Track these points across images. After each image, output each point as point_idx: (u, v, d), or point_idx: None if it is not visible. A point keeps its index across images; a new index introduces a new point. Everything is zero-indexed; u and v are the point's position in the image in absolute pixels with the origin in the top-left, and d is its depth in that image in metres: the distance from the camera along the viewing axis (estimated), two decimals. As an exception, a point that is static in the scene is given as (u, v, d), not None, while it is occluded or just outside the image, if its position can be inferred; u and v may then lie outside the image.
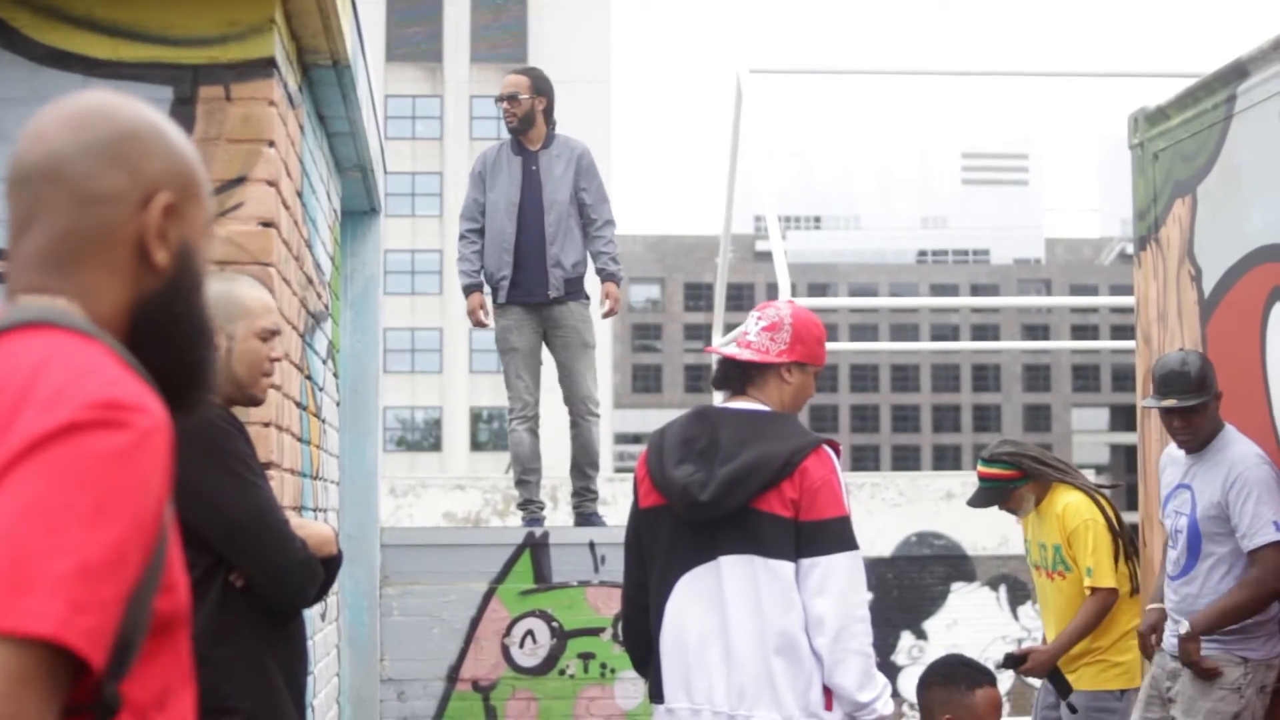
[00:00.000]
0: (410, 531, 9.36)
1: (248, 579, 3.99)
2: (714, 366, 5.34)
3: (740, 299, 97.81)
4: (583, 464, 9.28)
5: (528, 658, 8.86)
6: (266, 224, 4.87)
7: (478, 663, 8.85)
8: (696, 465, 4.93)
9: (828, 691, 4.84)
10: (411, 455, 64.83)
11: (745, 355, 5.06)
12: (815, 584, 4.83)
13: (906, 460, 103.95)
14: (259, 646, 4.03)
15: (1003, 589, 22.03)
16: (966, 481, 21.47)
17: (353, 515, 8.44)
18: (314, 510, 6.18)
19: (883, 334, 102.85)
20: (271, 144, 4.90)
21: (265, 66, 4.90)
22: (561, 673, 8.92)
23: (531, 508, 9.32)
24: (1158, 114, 7.03)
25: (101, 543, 1.67)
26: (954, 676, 5.67)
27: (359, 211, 8.49)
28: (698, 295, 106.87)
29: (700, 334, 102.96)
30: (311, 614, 6.14)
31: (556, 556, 8.96)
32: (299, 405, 5.62)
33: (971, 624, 21.53)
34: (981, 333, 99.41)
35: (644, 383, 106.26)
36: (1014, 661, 7.22)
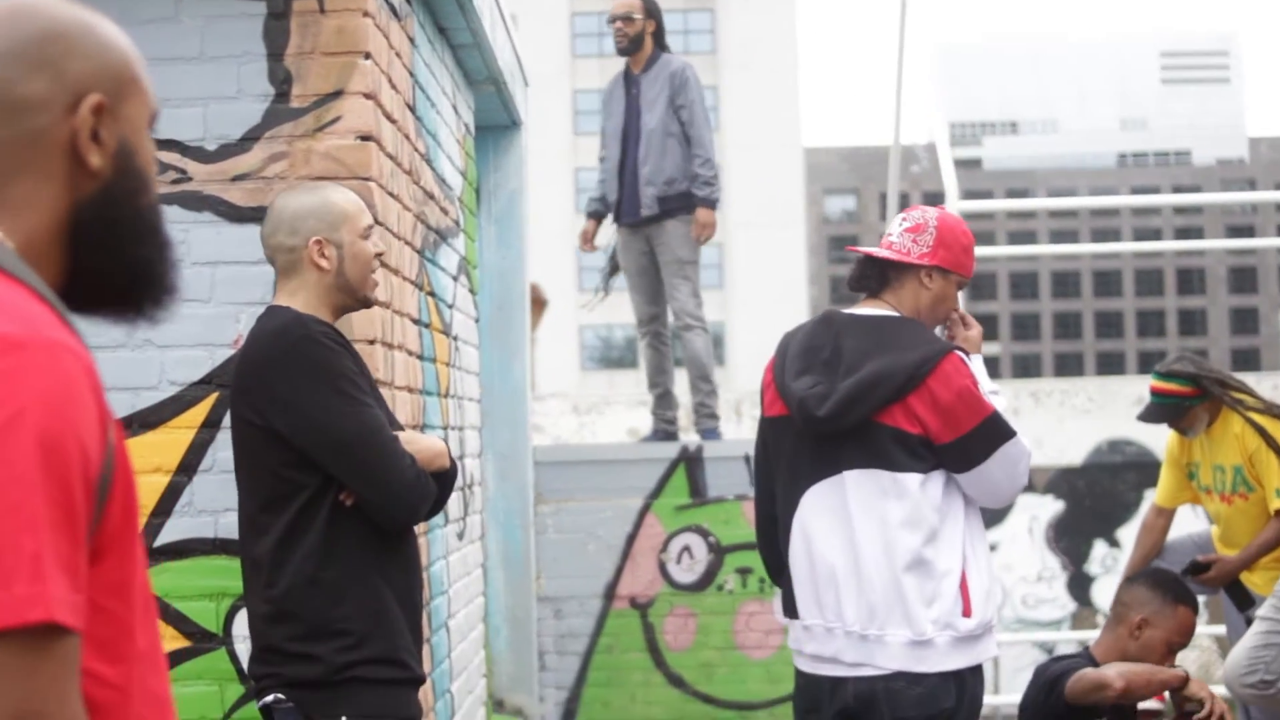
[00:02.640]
0: (563, 448, 9.31)
1: (357, 497, 3.93)
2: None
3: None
4: (694, 377, 9.28)
5: (685, 574, 8.78)
6: (365, 138, 4.76)
7: (634, 580, 8.78)
8: (818, 376, 4.76)
9: (965, 595, 4.68)
10: (610, 373, 65.17)
11: (883, 254, 4.87)
12: (990, 487, 4.72)
13: (1111, 366, 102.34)
14: (370, 566, 3.98)
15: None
16: (1160, 386, 20.91)
17: (502, 433, 8.39)
18: (445, 428, 6.10)
19: (1083, 238, 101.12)
20: (368, 56, 4.78)
21: (359, -24, 4.77)
22: (720, 588, 8.82)
23: (661, 419, 9.25)
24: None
25: (50, 502, 1.61)
26: (1163, 585, 5.58)
27: (498, 126, 8.39)
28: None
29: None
30: (446, 533, 6.08)
31: (712, 470, 8.85)
32: (417, 322, 5.53)
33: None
34: (1184, 234, 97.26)
35: (842, 294, 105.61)
36: (1198, 569, 7.00)
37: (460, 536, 6.50)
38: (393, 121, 5.12)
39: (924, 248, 4.84)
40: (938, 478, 4.71)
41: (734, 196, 66.57)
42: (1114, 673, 5.33)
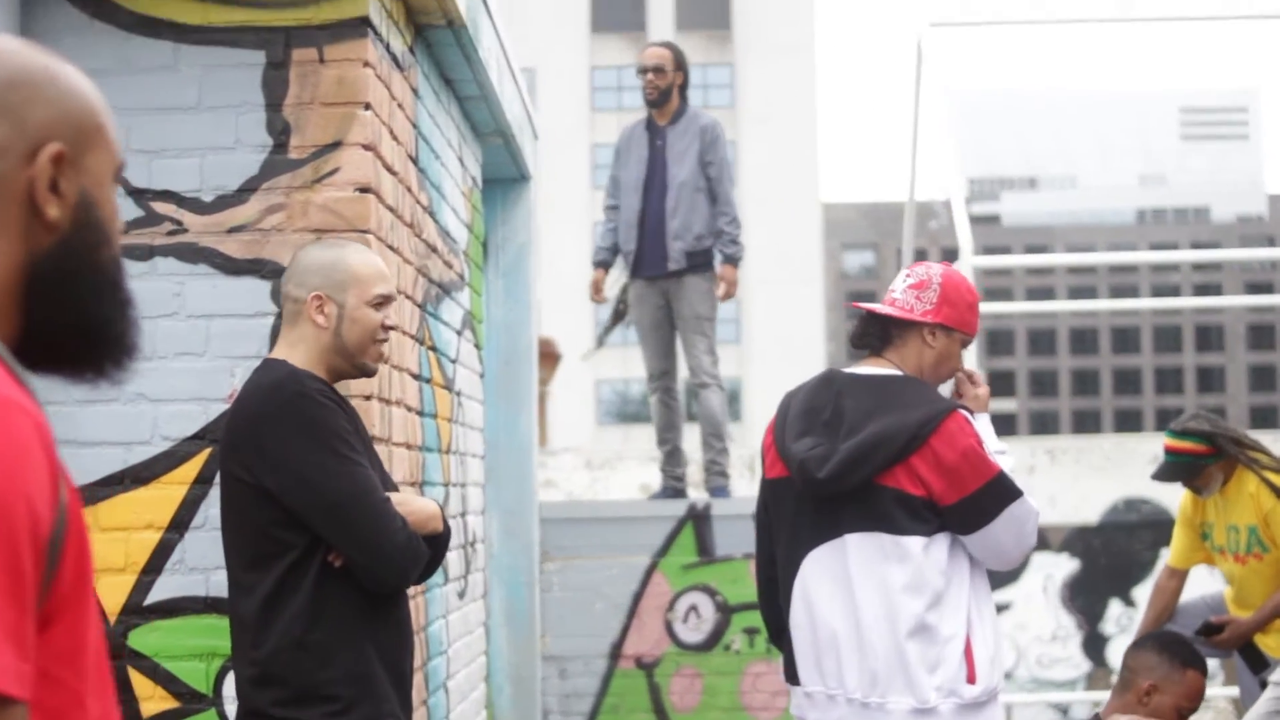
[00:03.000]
0: (570, 505, 9.21)
1: (345, 560, 3.84)
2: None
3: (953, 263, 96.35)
4: (706, 434, 9.21)
5: (692, 633, 8.67)
6: (364, 190, 4.69)
7: (641, 639, 8.67)
8: (819, 437, 4.66)
9: (970, 661, 4.57)
10: (626, 428, 65.06)
11: (886, 310, 4.77)
12: (986, 553, 4.61)
13: (1129, 423, 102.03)
14: (358, 629, 3.88)
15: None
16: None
17: (509, 489, 8.30)
18: (446, 485, 6.02)
19: (1102, 294, 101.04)
20: (368, 107, 4.71)
21: (359, 27, 4.71)
22: (726, 648, 8.71)
23: (669, 476, 9.17)
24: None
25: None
26: (1171, 649, 5.48)
27: (507, 179, 8.32)
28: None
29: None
30: (446, 592, 5.99)
31: (720, 529, 8.75)
32: (417, 377, 5.45)
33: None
34: (1203, 291, 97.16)
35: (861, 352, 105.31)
36: (1211, 630, 6.89)
37: (461, 595, 6.40)
38: (393, 173, 5.05)
39: (927, 305, 4.75)
40: (942, 540, 4.61)
41: (752, 251, 66.38)
42: None
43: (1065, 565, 21.35)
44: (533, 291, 8.47)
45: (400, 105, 5.23)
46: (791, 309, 65.77)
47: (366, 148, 4.71)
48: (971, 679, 4.58)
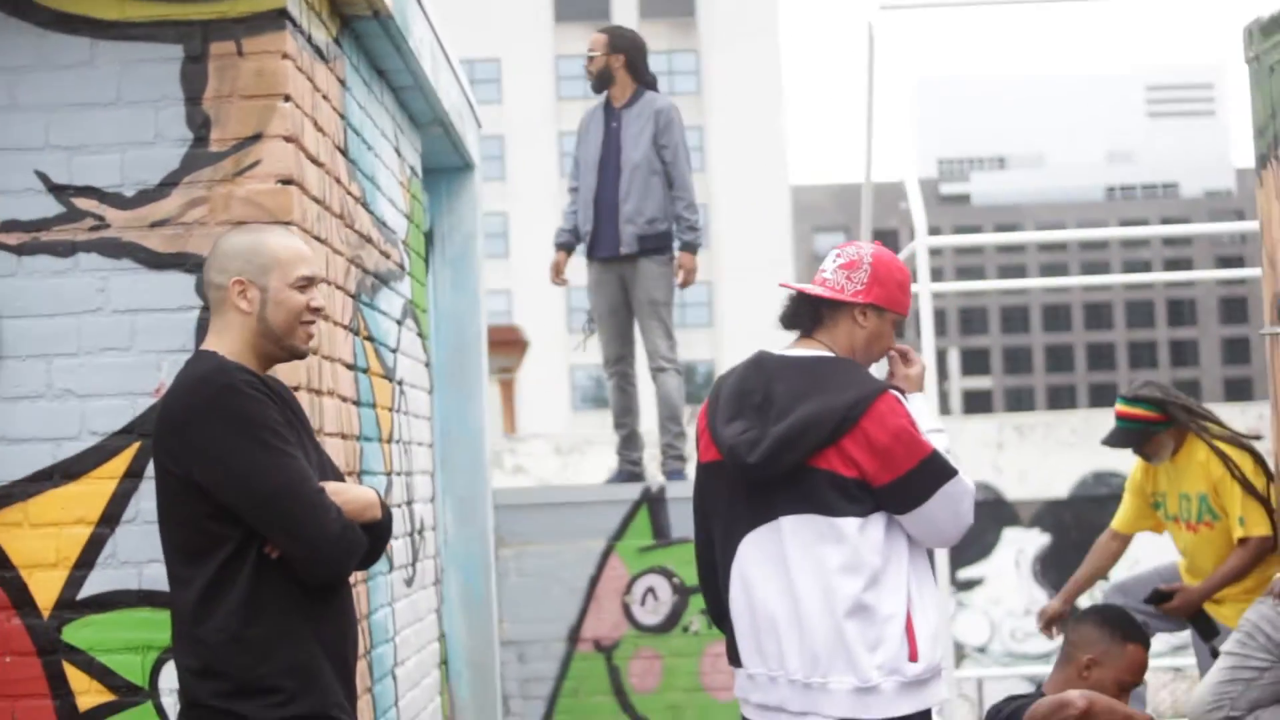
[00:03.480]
0: (524, 491, 9.23)
1: (282, 552, 3.83)
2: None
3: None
4: (663, 418, 9.22)
5: (650, 615, 8.69)
6: (286, 181, 4.70)
7: (599, 622, 8.69)
8: (749, 421, 4.65)
9: (911, 639, 4.58)
10: (602, 413, 65.04)
11: (816, 290, 4.76)
12: (929, 529, 4.59)
13: (1104, 398, 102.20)
14: (299, 620, 3.87)
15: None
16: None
17: (461, 476, 8.31)
18: (388, 474, 6.03)
19: (1073, 271, 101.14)
20: (288, 98, 4.72)
21: (277, 19, 4.72)
22: (685, 629, 8.74)
23: (625, 460, 9.18)
24: (1272, 24, 6.62)
25: None
26: (1111, 622, 5.47)
27: (451, 168, 8.33)
28: (884, 242, 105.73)
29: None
30: (391, 579, 6.00)
31: (675, 511, 8.78)
32: (351, 367, 5.46)
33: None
34: (1174, 266, 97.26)
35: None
36: (1160, 597, 6.92)
37: (409, 583, 6.41)
38: (319, 165, 5.06)
39: (858, 285, 4.73)
40: (878, 520, 4.59)
41: (723, 236, 66.60)
42: (1076, 694, 5.23)
43: (1036, 540, 21.43)
44: (480, 280, 8.47)
45: (325, 97, 5.23)
46: (763, 292, 65.71)
47: (288, 139, 4.72)
48: (914, 656, 4.57)
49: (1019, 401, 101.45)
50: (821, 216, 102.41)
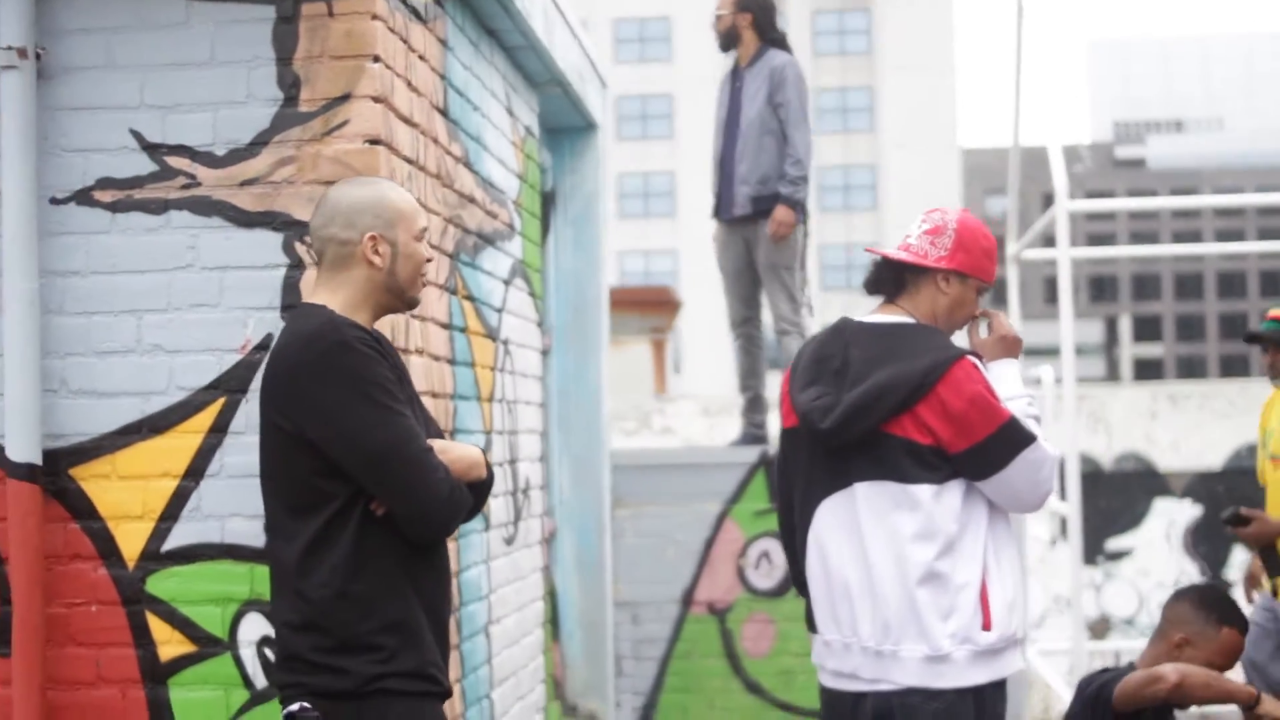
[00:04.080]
0: (642, 453, 9.24)
1: (388, 510, 3.84)
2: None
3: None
4: None
5: (763, 579, 8.68)
6: (374, 141, 4.73)
7: (713, 585, 8.70)
8: (826, 387, 4.64)
9: (985, 608, 4.54)
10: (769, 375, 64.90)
11: (900, 256, 4.73)
12: (1011, 494, 4.57)
13: (1235, 369, 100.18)
14: (401, 578, 3.88)
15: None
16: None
17: (578, 436, 8.35)
18: (487, 433, 6.07)
19: (1250, 237, 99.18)
20: (377, 59, 4.75)
21: (366, -21, 4.74)
22: (798, 594, 8.70)
23: (750, 423, 9.14)
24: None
25: None
26: (1210, 603, 5.39)
27: (573, 128, 8.34)
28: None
29: (1051, 241, 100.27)
30: (488, 538, 6.05)
31: (792, 475, 8.73)
32: (447, 326, 5.49)
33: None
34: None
35: (1001, 296, 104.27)
36: (1238, 520, 6.69)
37: (509, 541, 6.45)
38: (412, 125, 5.09)
39: (942, 250, 4.70)
40: (955, 487, 4.56)
41: (891, 198, 66.08)
42: (1169, 668, 5.16)
43: (1188, 511, 21.07)
44: (603, 240, 8.49)
45: (423, 57, 5.26)
46: (930, 255, 65.17)
47: (376, 100, 4.75)
48: (987, 625, 4.54)
49: (1190, 369, 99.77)
50: (993, 179, 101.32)
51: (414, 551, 3.91)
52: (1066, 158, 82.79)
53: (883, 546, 4.56)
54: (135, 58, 4.82)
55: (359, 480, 3.80)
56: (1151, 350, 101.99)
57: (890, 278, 4.77)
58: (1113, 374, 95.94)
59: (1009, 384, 4.71)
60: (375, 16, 4.76)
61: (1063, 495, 11.63)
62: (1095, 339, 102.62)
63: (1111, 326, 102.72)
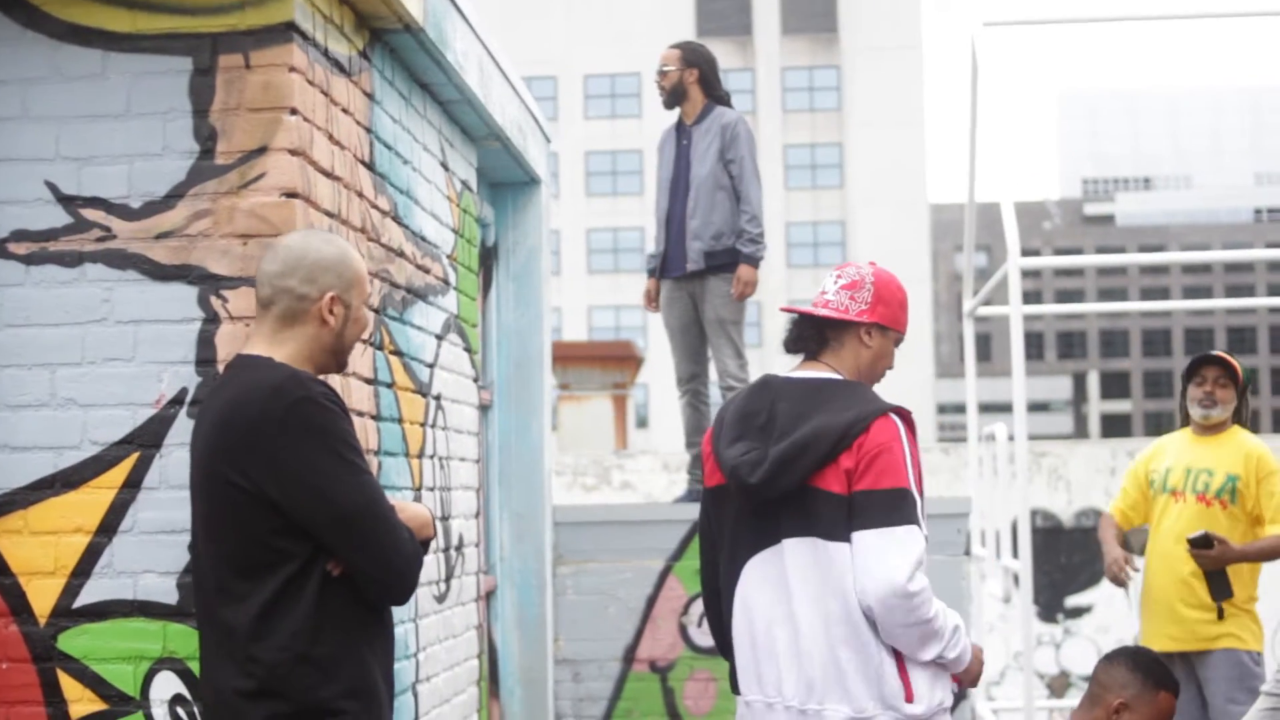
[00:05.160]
0: (584, 509, 9.17)
1: (353, 572, 3.75)
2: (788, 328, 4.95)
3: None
4: None
5: (706, 637, 8.58)
6: (290, 194, 4.69)
7: (655, 642, 8.63)
8: (753, 442, 4.61)
9: (904, 679, 4.49)
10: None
11: (822, 312, 4.73)
12: (859, 563, 4.47)
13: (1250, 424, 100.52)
14: (359, 641, 3.80)
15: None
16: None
17: (519, 493, 8.29)
18: (415, 490, 6.01)
19: (1217, 294, 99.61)
20: (294, 111, 4.71)
21: (284, 32, 4.71)
22: (742, 652, 8.64)
23: (695, 480, 9.09)
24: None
25: None
26: (1144, 667, 5.33)
27: (516, 182, 8.32)
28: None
29: (1030, 300, 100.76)
30: (417, 595, 5.98)
31: (736, 532, 8.68)
32: (372, 382, 5.44)
33: None
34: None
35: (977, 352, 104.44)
36: (1204, 542, 7.02)
37: (440, 599, 6.39)
38: (334, 178, 5.05)
39: (862, 304, 4.72)
40: None
41: (861, 253, 66.19)
42: None
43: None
44: (544, 296, 8.45)
45: (346, 110, 5.22)
46: (899, 311, 65.14)
47: (294, 152, 4.71)
48: (909, 697, 4.50)
49: (1159, 426, 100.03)
50: (962, 234, 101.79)
51: (369, 614, 3.84)
52: (1035, 215, 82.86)
53: (809, 604, 4.52)
54: (51, 109, 4.78)
55: (323, 540, 3.72)
56: (1120, 406, 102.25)
57: (812, 335, 4.78)
58: (1081, 430, 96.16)
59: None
60: (293, 69, 4.73)
61: (1015, 552, 11.59)
62: (1064, 395, 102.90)
63: (1080, 383, 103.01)
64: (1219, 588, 7.07)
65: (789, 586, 4.56)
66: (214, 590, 3.79)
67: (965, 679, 4.68)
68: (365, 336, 5.38)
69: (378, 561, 3.74)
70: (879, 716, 4.48)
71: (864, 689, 4.48)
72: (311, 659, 3.69)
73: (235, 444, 3.73)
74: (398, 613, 5.64)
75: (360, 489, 3.72)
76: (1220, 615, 7.09)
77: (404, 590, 3.85)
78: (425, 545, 3.97)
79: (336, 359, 3.97)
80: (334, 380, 4.96)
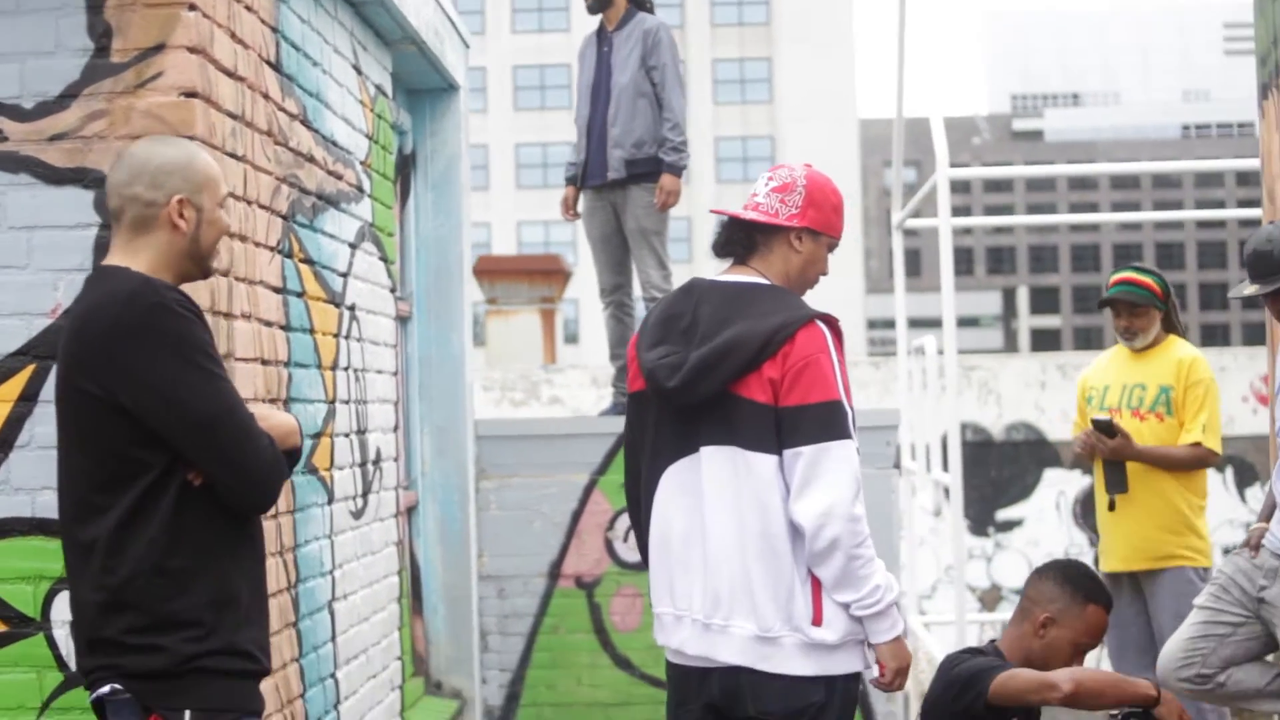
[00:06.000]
0: (507, 423, 9.01)
1: (212, 480, 3.64)
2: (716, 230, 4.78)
3: (998, 181, 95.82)
4: None
5: (632, 552, 8.47)
6: (189, 94, 4.49)
7: (580, 558, 8.51)
8: (674, 345, 4.45)
9: (816, 600, 4.35)
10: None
11: (750, 215, 4.55)
12: (796, 479, 4.32)
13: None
14: (220, 552, 3.70)
15: (1229, 471, 21.09)
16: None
17: (440, 407, 8.13)
18: (329, 402, 5.84)
19: (1145, 208, 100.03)
20: (193, 8, 4.51)
21: (183, -78, 4.50)
22: (669, 567, 8.52)
23: (620, 393, 8.93)
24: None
25: None
26: (1074, 580, 5.23)
27: (434, 89, 8.11)
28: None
29: (959, 213, 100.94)
30: (330, 511, 5.83)
31: (662, 445, 8.54)
32: (279, 290, 5.26)
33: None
34: (1248, 206, 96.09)
35: (905, 269, 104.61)
36: (1105, 428, 6.91)
37: (356, 515, 6.23)
38: (237, 78, 4.85)
39: (792, 208, 4.53)
40: None
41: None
42: (1063, 675, 4.99)
43: (1078, 482, 21.10)
44: (464, 205, 8.26)
45: (250, 8, 5.01)
46: (827, 226, 65.02)
47: (192, 50, 4.51)
48: (817, 620, 4.35)
49: (1088, 341, 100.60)
50: (891, 150, 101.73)
51: (232, 525, 3.74)
52: (964, 130, 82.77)
53: (723, 515, 4.37)
54: (-63, 5, 4.56)
55: (180, 449, 3.61)
56: (1049, 321, 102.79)
57: (740, 238, 4.60)
58: (1010, 345, 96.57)
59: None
60: (192, -37, 4.52)
61: (945, 465, 11.53)
62: (994, 310, 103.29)
63: (1009, 298, 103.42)
64: (1114, 480, 6.98)
65: (703, 496, 4.41)
66: (74, 505, 3.70)
67: (887, 661, 4.39)
68: (271, 243, 5.20)
69: (235, 468, 3.65)
70: (785, 637, 4.32)
71: (772, 607, 4.32)
72: (166, 570, 3.61)
73: (88, 353, 3.63)
74: (310, 528, 5.52)
75: (215, 395, 3.62)
76: (1111, 507, 7.01)
77: (264, 497, 3.75)
78: (293, 455, 3.88)
79: (197, 264, 3.83)
80: (236, 289, 4.79)
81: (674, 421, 4.48)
